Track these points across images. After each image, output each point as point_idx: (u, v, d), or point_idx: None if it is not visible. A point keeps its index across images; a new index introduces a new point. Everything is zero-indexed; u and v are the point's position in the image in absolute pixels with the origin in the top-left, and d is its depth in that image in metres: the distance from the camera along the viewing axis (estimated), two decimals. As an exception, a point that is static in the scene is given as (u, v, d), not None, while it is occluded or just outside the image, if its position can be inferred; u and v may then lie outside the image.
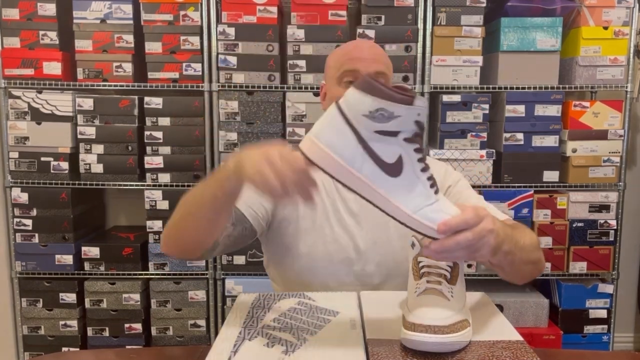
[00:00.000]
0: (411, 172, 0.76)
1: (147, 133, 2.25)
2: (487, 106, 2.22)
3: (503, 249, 0.86)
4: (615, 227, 2.29)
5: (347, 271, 1.18)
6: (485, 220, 0.78)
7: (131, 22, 2.24)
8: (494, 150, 2.25)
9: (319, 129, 0.75)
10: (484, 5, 2.20)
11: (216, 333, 0.90)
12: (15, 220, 2.28)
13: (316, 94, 2.19)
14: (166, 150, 2.26)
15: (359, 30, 2.21)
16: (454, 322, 0.78)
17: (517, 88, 2.23)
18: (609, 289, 2.32)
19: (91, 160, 2.26)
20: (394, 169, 0.75)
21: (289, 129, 2.22)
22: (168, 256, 2.33)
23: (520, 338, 0.84)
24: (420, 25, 2.22)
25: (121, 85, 2.25)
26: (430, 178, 0.78)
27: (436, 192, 0.78)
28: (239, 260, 2.29)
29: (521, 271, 1.02)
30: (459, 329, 0.79)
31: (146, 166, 2.26)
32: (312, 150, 0.75)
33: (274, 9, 2.20)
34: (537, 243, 1.06)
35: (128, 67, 2.25)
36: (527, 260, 1.00)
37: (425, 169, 0.77)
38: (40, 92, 2.23)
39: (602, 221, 2.29)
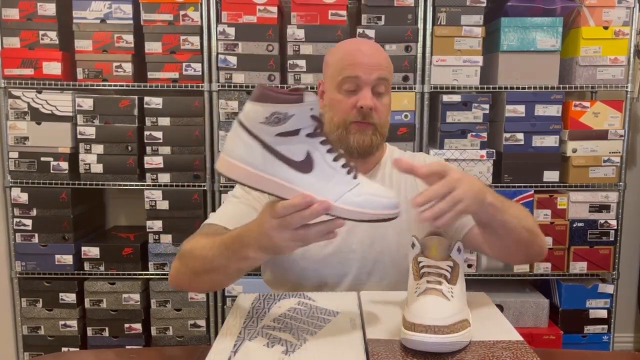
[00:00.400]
0: (324, 164, 0.79)
1: (147, 133, 2.25)
2: (487, 106, 2.22)
3: (487, 200, 0.92)
4: (615, 227, 2.29)
5: (343, 271, 1.18)
6: (452, 170, 0.87)
7: (131, 22, 2.24)
8: (494, 150, 2.25)
9: (229, 146, 0.79)
10: (484, 5, 2.20)
11: (216, 333, 0.91)
12: (15, 220, 2.28)
13: (316, 94, 2.19)
14: (166, 150, 2.26)
15: (359, 30, 2.20)
16: (454, 322, 0.78)
17: (517, 88, 2.23)
18: (609, 289, 2.32)
19: (91, 160, 2.26)
20: (305, 166, 0.78)
21: (289, 129, 2.22)
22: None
23: (521, 338, 0.84)
24: (420, 25, 2.22)
25: (121, 85, 2.25)
26: (346, 165, 0.80)
27: (355, 176, 0.81)
28: (239, 260, 2.28)
29: (518, 239, 1.02)
30: (459, 329, 0.79)
31: (146, 166, 2.26)
32: (227, 167, 0.79)
33: (274, 9, 2.20)
34: (529, 214, 1.10)
35: (128, 67, 2.25)
36: (520, 226, 1.01)
37: (337, 157, 0.80)
38: (40, 92, 2.23)
39: (602, 221, 2.28)
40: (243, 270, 0.95)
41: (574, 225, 2.28)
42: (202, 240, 0.99)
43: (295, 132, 0.77)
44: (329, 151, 0.79)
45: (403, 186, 1.24)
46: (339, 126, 1.18)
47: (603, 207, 2.29)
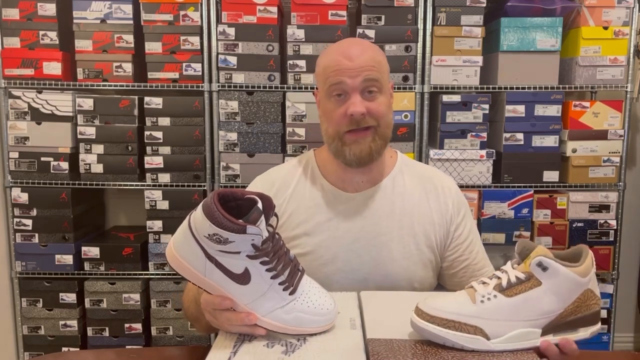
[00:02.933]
0: (260, 279, 0.83)
1: (147, 133, 2.25)
2: (487, 106, 2.22)
3: None
4: (615, 227, 2.29)
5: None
6: None
7: (131, 22, 2.24)
8: (494, 150, 2.25)
9: (178, 241, 0.85)
10: (484, 5, 2.20)
11: (216, 333, 0.91)
12: (15, 220, 2.28)
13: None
14: (166, 150, 2.26)
15: (359, 30, 2.21)
16: (453, 319, 0.79)
17: (517, 88, 2.23)
18: (609, 289, 2.32)
19: (91, 160, 2.26)
20: (242, 278, 0.83)
21: (289, 129, 2.22)
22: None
23: None
24: (420, 25, 2.22)
25: (121, 85, 2.25)
26: (284, 282, 0.85)
27: (291, 292, 0.85)
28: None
29: None
30: (456, 329, 0.79)
31: (146, 166, 2.26)
32: (174, 262, 0.85)
33: (274, 9, 2.20)
34: None
35: (128, 67, 2.25)
36: None
37: (276, 275, 0.84)
38: (40, 92, 2.23)
39: (602, 221, 2.29)
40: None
41: (574, 225, 2.28)
42: (190, 285, 1.08)
43: (237, 253, 0.81)
44: (268, 270, 0.83)
45: (416, 208, 1.20)
46: (334, 138, 1.14)
47: (603, 207, 2.29)
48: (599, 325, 0.85)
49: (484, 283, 0.83)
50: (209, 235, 0.79)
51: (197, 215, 0.80)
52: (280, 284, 0.84)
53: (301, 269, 0.89)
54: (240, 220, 0.78)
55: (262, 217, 0.80)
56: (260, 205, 0.81)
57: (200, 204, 0.80)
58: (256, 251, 0.81)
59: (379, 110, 1.12)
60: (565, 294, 0.81)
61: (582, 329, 0.84)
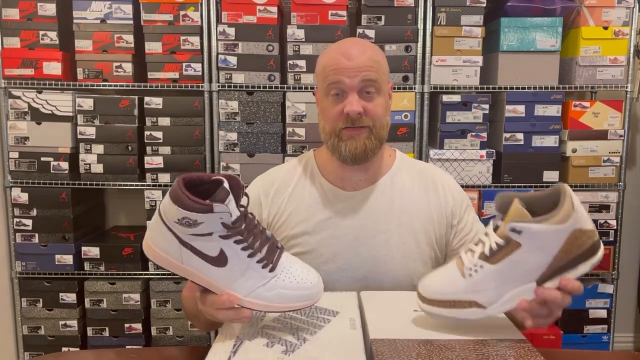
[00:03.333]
0: (237, 259, 0.82)
1: (147, 133, 2.25)
2: (487, 106, 2.22)
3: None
4: (615, 227, 2.29)
5: (344, 290, 1.16)
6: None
7: (131, 22, 2.24)
8: (494, 150, 2.25)
9: (152, 233, 0.84)
10: (484, 5, 2.20)
11: (216, 333, 0.91)
12: (15, 220, 2.28)
13: (316, 94, 2.20)
14: (166, 150, 2.26)
15: (359, 30, 2.21)
16: (452, 299, 0.84)
17: (517, 88, 2.23)
18: (609, 289, 2.32)
19: (91, 160, 2.26)
20: (219, 261, 0.82)
21: (289, 129, 2.22)
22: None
23: (523, 337, 0.84)
24: (420, 25, 2.22)
25: (121, 85, 2.25)
26: (262, 259, 0.84)
27: (271, 270, 0.84)
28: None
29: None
30: (453, 306, 0.84)
31: (146, 166, 2.26)
32: (151, 253, 0.85)
33: (274, 9, 2.20)
34: None
35: (128, 67, 2.25)
36: None
37: (253, 253, 0.83)
38: (40, 92, 2.23)
39: (602, 221, 2.29)
40: (217, 324, 0.97)
41: (574, 225, 2.28)
42: (189, 283, 1.06)
43: (209, 234, 0.80)
44: (243, 249, 0.82)
45: (415, 205, 1.20)
46: (330, 134, 1.15)
47: (603, 207, 2.29)
48: (599, 254, 0.83)
49: (471, 251, 0.85)
50: (178, 220, 0.78)
51: (165, 201, 0.79)
52: (258, 262, 0.83)
53: (280, 247, 0.88)
54: (207, 201, 0.78)
55: (230, 196, 0.79)
56: (226, 184, 0.80)
57: (167, 194, 0.80)
58: (228, 230, 0.80)
59: (375, 111, 1.13)
60: (548, 246, 0.81)
61: (581, 264, 0.83)
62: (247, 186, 0.86)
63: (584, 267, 0.83)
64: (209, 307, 0.87)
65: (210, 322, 0.94)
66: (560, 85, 2.25)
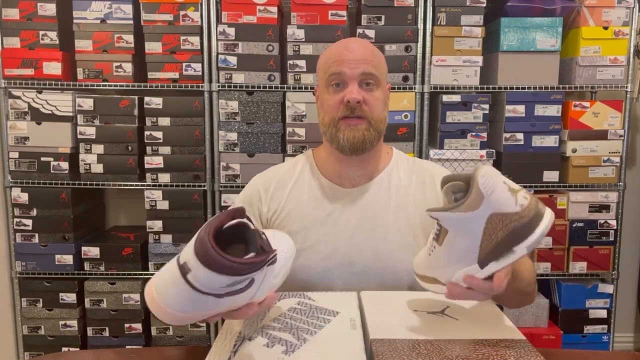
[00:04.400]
0: (260, 275, 0.78)
1: (147, 133, 2.25)
2: (487, 106, 2.22)
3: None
4: (615, 227, 2.29)
5: (343, 286, 1.16)
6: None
7: (131, 22, 2.24)
8: (494, 150, 2.25)
9: (173, 301, 0.71)
10: (484, 5, 2.20)
11: (216, 333, 0.90)
12: (15, 220, 2.28)
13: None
14: (166, 150, 2.26)
15: (359, 30, 2.21)
16: (422, 274, 0.91)
17: (517, 88, 2.23)
18: (609, 289, 2.32)
19: (91, 160, 2.26)
20: (247, 288, 0.76)
21: (289, 129, 2.22)
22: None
23: (523, 337, 0.84)
24: (420, 25, 2.22)
25: (121, 85, 2.25)
26: (272, 262, 0.82)
27: (273, 262, 0.81)
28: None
29: (512, 300, 1.06)
30: (426, 281, 0.90)
31: (146, 166, 2.26)
32: (176, 321, 0.74)
33: (274, 9, 2.20)
34: (534, 277, 1.08)
35: (128, 67, 2.25)
36: (521, 292, 1.03)
37: (269, 263, 0.81)
38: (40, 92, 2.23)
39: (602, 221, 2.29)
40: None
41: (574, 225, 2.28)
42: None
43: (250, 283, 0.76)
44: (267, 265, 0.79)
45: (412, 200, 1.21)
46: (329, 125, 1.17)
47: (603, 207, 2.29)
48: (534, 236, 0.78)
49: (434, 233, 0.87)
50: (227, 285, 0.71)
51: (201, 274, 0.68)
52: (268, 265, 0.82)
53: (264, 233, 0.85)
54: (255, 257, 0.72)
55: (265, 237, 0.77)
56: (252, 226, 0.76)
57: (200, 263, 0.68)
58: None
59: (374, 102, 1.16)
60: (469, 232, 0.80)
61: (516, 247, 0.79)
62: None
63: (521, 251, 0.79)
64: (240, 317, 0.82)
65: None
66: (560, 85, 2.25)
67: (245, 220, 0.77)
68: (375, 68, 1.16)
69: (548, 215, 0.79)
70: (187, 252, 0.70)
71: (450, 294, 0.84)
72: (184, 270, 0.70)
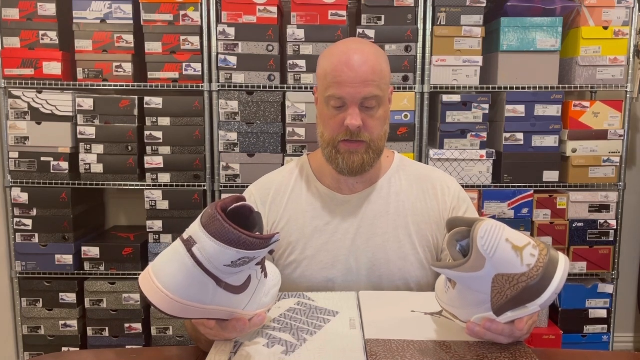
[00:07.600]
0: (255, 280, 0.81)
1: (147, 133, 2.25)
2: (487, 106, 2.22)
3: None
4: (615, 227, 2.29)
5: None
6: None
7: (131, 22, 2.24)
8: (494, 150, 2.25)
9: (177, 285, 0.69)
10: (484, 5, 2.20)
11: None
12: (15, 220, 2.28)
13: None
14: (166, 150, 2.26)
15: (359, 30, 2.21)
16: (445, 309, 0.88)
17: (517, 88, 2.23)
18: (609, 289, 2.32)
19: (91, 160, 2.26)
20: (243, 288, 0.78)
21: (289, 129, 2.22)
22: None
23: None
24: (420, 25, 2.22)
25: (121, 85, 2.25)
26: (263, 269, 0.83)
27: (265, 275, 0.84)
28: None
29: None
30: (452, 317, 0.87)
31: (146, 166, 2.26)
32: (174, 310, 0.71)
33: (274, 9, 2.20)
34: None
35: (128, 67, 2.25)
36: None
37: (263, 268, 0.83)
38: (40, 92, 2.23)
39: (602, 221, 2.29)
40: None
41: (574, 225, 2.28)
42: None
43: (250, 265, 0.75)
44: (261, 268, 0.82)
45: (411, 208, 1.20)
46: (329, 144, 1.15)
47: (603, 207, 2.29)
48: (548, 294, 0.74)
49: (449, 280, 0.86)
50: (232, 262, 0.70)
51: (209, 247, 0.68)
52: (262, 272, 0.83)
53: None
54: (260, 234, 0.73)
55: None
56: (255, 207, 0.77)
57: (208, 235, 0.68)
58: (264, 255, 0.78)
59: (374, 125, 1.13)
60: (477, 288, 0.77)
61: (530, 303, 0.76)
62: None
63: (533, 307, 0.76)
64: (229, 334, 0.83)
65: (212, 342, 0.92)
66: (560, 85, 2.25)
67: (248, 203, 0.77)
68: (378, 87, 1.11)
69: (562, 267, 0.75)
70: (193, 227, 0.70)
71: (471, 332, 0.81)
72: (189, 244, 0.68)
